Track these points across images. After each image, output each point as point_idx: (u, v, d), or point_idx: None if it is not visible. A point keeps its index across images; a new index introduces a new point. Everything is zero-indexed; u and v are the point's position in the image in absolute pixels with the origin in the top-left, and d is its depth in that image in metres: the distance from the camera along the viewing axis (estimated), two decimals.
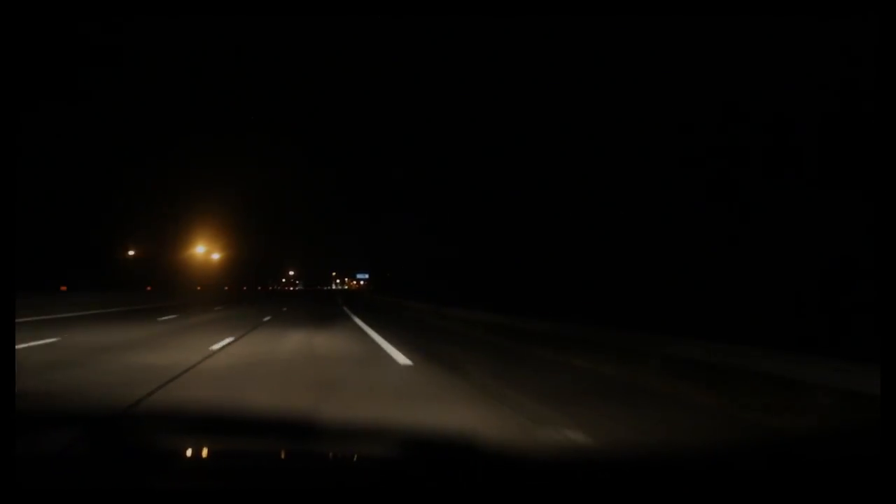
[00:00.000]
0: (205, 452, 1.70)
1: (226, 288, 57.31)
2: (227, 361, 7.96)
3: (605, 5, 17.62)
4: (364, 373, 7.22)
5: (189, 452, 1.69)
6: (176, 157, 44.47)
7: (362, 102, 74.12)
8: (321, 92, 73.89)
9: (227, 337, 11.13)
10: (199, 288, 46.58)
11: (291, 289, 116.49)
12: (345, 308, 28.19)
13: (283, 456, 1.69)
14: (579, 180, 22.43)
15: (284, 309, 25.66)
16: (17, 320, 2.28)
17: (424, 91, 52.84)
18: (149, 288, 37.58)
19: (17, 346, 8.37)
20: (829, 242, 11.33)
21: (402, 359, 8.51)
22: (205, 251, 47.60)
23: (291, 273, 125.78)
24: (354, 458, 1.78)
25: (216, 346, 9.50)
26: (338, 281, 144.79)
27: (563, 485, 1.29)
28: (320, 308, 28.18)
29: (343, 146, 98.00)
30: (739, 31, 14.71)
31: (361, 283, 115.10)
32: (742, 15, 13.83)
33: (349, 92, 74.28)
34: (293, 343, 10.62)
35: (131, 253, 38.91)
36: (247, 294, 60.22)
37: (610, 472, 1.38)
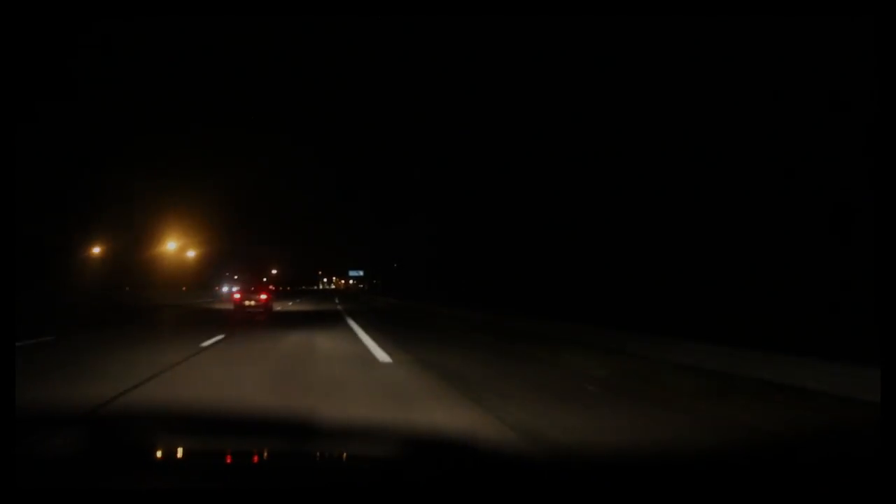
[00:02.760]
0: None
1: (216, 288, 56.69)
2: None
3: (610, 5, 17.63)
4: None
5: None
6: (147, 154, 42.65)
7: (360, 101, 74.04)
8: (320, 91, 73.68)
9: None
10: (184, 289, 45.19)
11: (282, 288, 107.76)
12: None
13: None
14: (587, 182, 22.27)
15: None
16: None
17: (423, 89, 52.71)
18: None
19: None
20: (828, 242, 11.33)
21: None
22: (177, 248, 44.34)
23: (275, 272, 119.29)
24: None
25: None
26: (325, 280, 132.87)
27: (561, 485, 1.29)
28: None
29: (342, 146, 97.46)
30: (739, 31, 14.70)
31: (352, 281, 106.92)
32: (742, 15, 13.83)
33: (348, 91, 74.13)
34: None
35: (96, 251, 35.49)
36: None
37: (608, 473, 1.36)
